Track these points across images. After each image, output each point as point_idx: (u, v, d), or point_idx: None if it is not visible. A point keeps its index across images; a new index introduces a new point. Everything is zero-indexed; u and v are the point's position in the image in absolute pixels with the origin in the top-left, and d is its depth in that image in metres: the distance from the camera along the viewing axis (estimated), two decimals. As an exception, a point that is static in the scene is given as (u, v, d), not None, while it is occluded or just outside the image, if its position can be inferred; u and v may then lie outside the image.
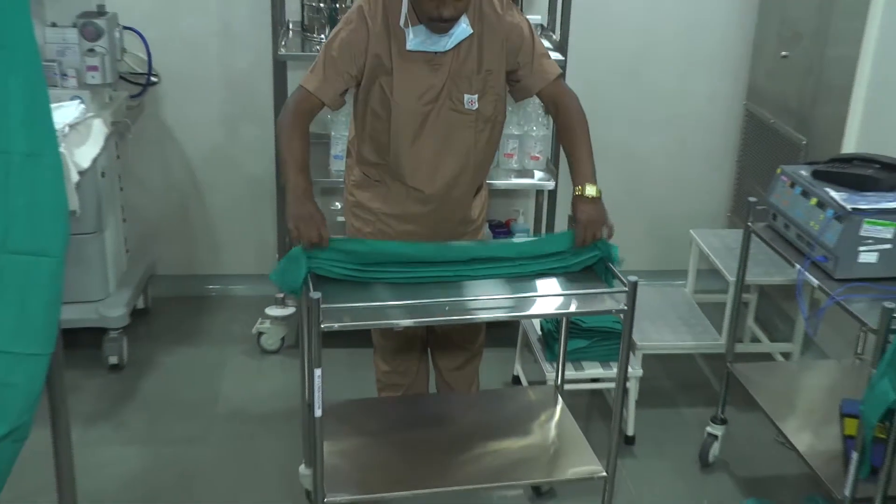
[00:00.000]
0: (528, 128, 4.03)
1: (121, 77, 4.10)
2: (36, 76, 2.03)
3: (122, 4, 4.02)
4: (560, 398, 3.07)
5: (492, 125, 2.93)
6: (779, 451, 3.43)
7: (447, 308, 2.46)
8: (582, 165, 2.77)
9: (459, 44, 2.78)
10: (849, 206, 2.75)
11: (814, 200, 2.89)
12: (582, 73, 4.00)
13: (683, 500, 3.35)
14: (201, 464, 3.43)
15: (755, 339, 4.16)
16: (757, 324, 4.20)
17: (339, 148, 3.89)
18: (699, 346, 3.79)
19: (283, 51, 3.88)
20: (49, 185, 2.06)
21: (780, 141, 4.17)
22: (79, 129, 3.62)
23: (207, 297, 4.67)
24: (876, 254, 2.75)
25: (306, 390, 2.67)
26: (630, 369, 3.36)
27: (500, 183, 3.99)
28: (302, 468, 3.14)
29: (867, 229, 2.73)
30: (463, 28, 2.75)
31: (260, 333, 4.18)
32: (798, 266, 2.87)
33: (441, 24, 2.69)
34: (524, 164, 4.07)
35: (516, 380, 3.90)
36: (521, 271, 2.64)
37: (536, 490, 3.32)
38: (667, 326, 3.80)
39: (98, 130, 3.72)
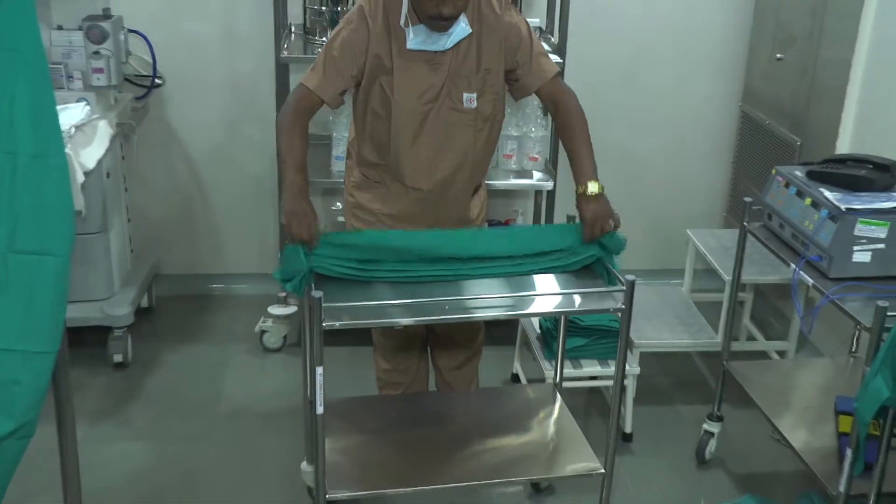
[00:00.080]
0: (527, 129, 4.05)
1: (126, 79, 4.11)
2: (42, 78, 2.05)
3: (127, 8, 4.05)
4: (559, 396, 3.09)
5: (490, 124, 2.95)
6: (774, 447, 3.45)
7: (447, 307, 2.47)
8: (583, 163, 2.79)
9: (459, 43, 2.80)
10: (843, 206, 2.76)
11: (808, 200, 2.90)
12: (580, 74, 4.02)
13: (680, 497, 3.36)
14: (204, 461, 3.45)
15: (751, 338, 4.17)
16: (753, 322, 4.21)
17: (340, 149, 3.91)
18: (696, 345, 3.79)
19: (285, 53, 3.90)
20: (55, 186, 2.07)
21: (775, 142, 4.19)
22: (84, 131, 3.64)
23: (211, 296, 4.69)
24: (869, 253, 2.76)
25: (308, 388, 2.66)
26: (628, 367, 3.37)
27: (499, 183, 4.01)
28: (304, 465, 3.15)
29: (861, 229, 2.74)
30: (462, 27, 2.77)
31: (262, 332, 4.20)
32: (793, 265, 2.88)
33: (441, 23, 2.71)
34: (523, 164, 4.09)
35: (515, 378, 3.91)
36: (520, 270, 2.65)
37: (535, 486, 3.33)
38: (664, 325, 3.81)
39: (103, 132, 3.73)
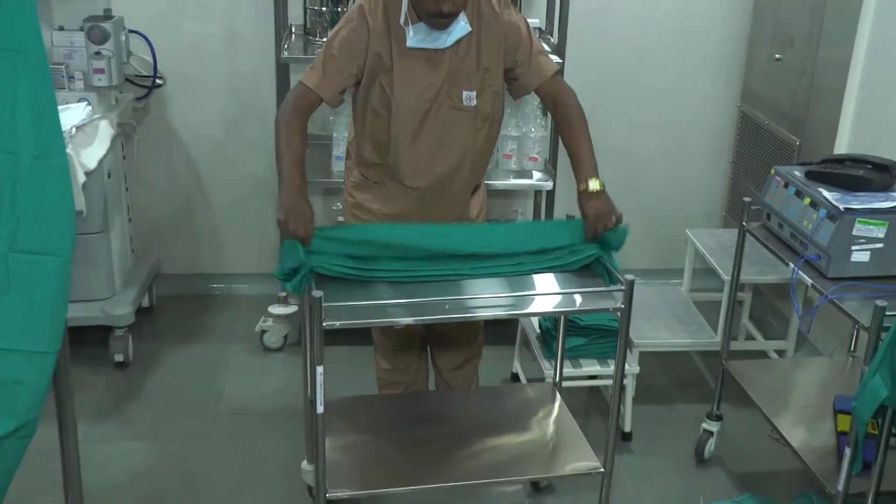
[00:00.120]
0: (527, 129, 4.06)
1: (127, 80, 4.12)
2: (43, 79, 2.05)
3: (128, 8, 4.06)
4: (558, 395, 3.10)
5: (490, 123, 2.95)
6: (773, 446, 3.46)
7: (447, 306, 2.47)
8: (583, 160, 2.80)
9: (458, 42, 2.81)
10: (841, 206, 2.76)
11: (807, 200, 2.90)
12: (579, 75, 4.03)
13: (679, 496, 3.37)
14: (205, 460, 3.46)
15: (750, 337, 4.18)
16: (751, 322, 4.22)
17: (340, 149, 3.92)
18: (695, 344, 3.80)
19: (285, 54, 3.91)
20: (56, 186, 2.08)
21: (774, 142, 4.20)
22: (85, 131, 3.66)
23: (211, 295, 4.70)
24: (868, 253, 2.77)
25: (308, 387, 2.67)
26: (627, 366, 3.36)
27: (498, 183, 4.02)
28: (304, 464, 3.16)
29: (859, 229, 2.75)
30: (462, 26, 2.78)
31: (263, 331, 4.20)
32: (792, 265, 2.88)
33: (441, 20, 2.71)
34: (523, 164, 4.10)
35: (515, 377, 3.92)
36: (520, 270, 2.66)
37: (535, 485, 3.33)
38: (663, 324, 3.82)
39: (104, 132, 3.75)
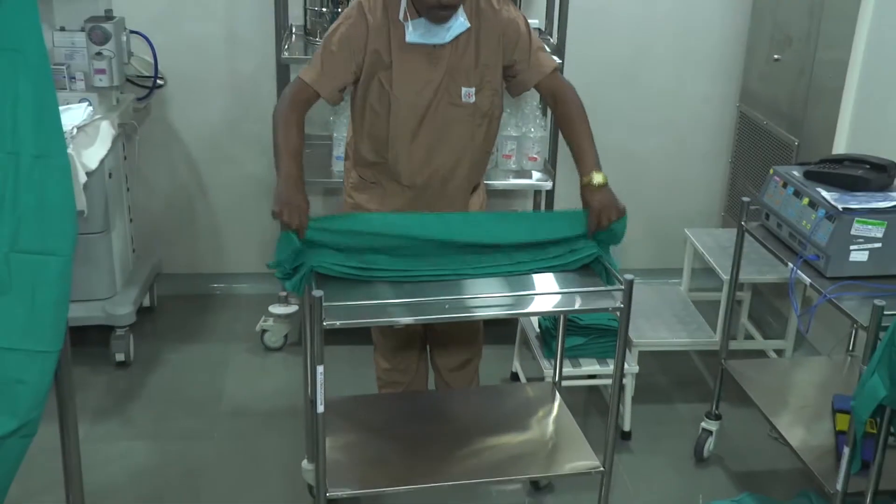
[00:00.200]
0: (527, 129, 4.07)
1: (128, 80, 4.13)
2: (45, 79, 2.06)
3: (129, 9, 4.07)
4: (558, 394, 3.11)
5: (489, 120, 2.95)
6: (772, 446, 3.47)
7: (447, 306, 2.48)
8: (586, 155, 2.80)
9: (457, 38, 2.81)
10: (840, 206, 2.77)
11: (806, 200, 2.91)
12: (579, 76, 4.00)
13: (679, 495, 3.37)
14: (206, 459, 3.47)
15: (749, 337, 4.19)
16: (750, 321, 4.23)
17: (340, 149, 3.92)
18: (694, 343, 3.80)
19: (286, 54, 3.91)
20: (57, 186, 2.09)
21: (773, 142, 4.21)
22: (87, 131, 3.67)
23: (212, 295, 4.71)
24: (866, 252, 2.78)
25: (309, 387, 2.69)
26: (626, 366, 3.39)
27: (498, 183, 4.03)
28: (304, 463, 3.17)
29: (858, 228, 2.75)
30: (461, 21, 2.78)
31: (263, 331, 4.21)
32: (790, 264, 2.89)
33: (441, 13, 2.72)
34: (522, 164, 4.11)
35: (515, 376, 3.92)
36: (520, 270, 2.66)
37: (535, 484, 3.34)
38: (662, 324, 3.82)
39: (105, 132, 3.75)
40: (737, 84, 4.63)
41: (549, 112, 4.23)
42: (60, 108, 2.16)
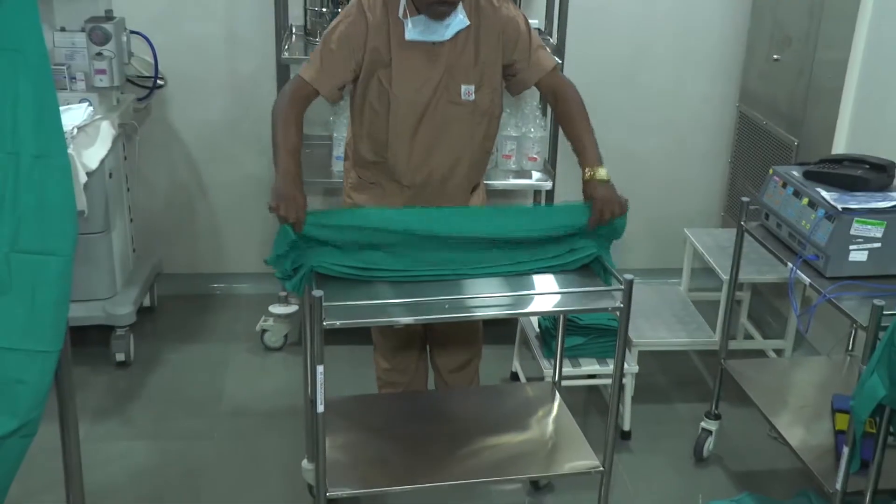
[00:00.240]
0: (526, 129, 4.07)
1: (128, 80, 4.13)
2: (45, 79, 2.06)
3: (129, 9, 4.07)
4: (557, 394, 3.11)
5: (488, 118, 2.95)
6: (772, 445, 3.47)
7: (447, 306, 2.48)
8: (588, 150, 2.79)
9: (456, 36, 2.81)
10: (839, 206, 2.77)
11: (805, 200, 2.91)
12: (579, 76, 3.98)
13: (678, 494, 3.37)
14: (206, 459, 3.47)
15: (748, 336, 4.19)
16: (750, 321, 4.23)
17: (340, 149, 3.92)
18: (693, 343, 3.80)
19: (286, 54, 3.91)
20: (58, 186, 2.09)
21: (773, 142, 4.21)
22: (87, 131, 3.67)
23: (212, 295, 4.71)
24: (866, 252, 2.78)
25: (309, 386, 2.69)
26: (626, 366, 3.38)
27: (498, 183, 4.03)
28: (304, 463, 3.17)
29: (857, 228, 2.76)
30: (460, 19, 2.78)
31: (263, 331, 4.21)
32: (790, 264, 2.90)
33: (440, 9, 2.72)
34: (522, 164, 4.11)
35: (514, 376, 3.93)
36: (519, 270, 2.67)
37: (535, 484, 3.34)
38: (662, 324, 3.83)
39: (106, 132, 3.76)
40: (736, 84, 4.63)
41: (549, 112, 4.23)
42: (61, 108, 2.16)
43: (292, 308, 4.20)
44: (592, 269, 2.72)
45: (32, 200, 2.06)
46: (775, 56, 4.19)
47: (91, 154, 3.64)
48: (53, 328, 2.14)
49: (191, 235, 4.71)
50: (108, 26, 3.80)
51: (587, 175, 2.73)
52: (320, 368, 2.39)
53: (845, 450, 2.66)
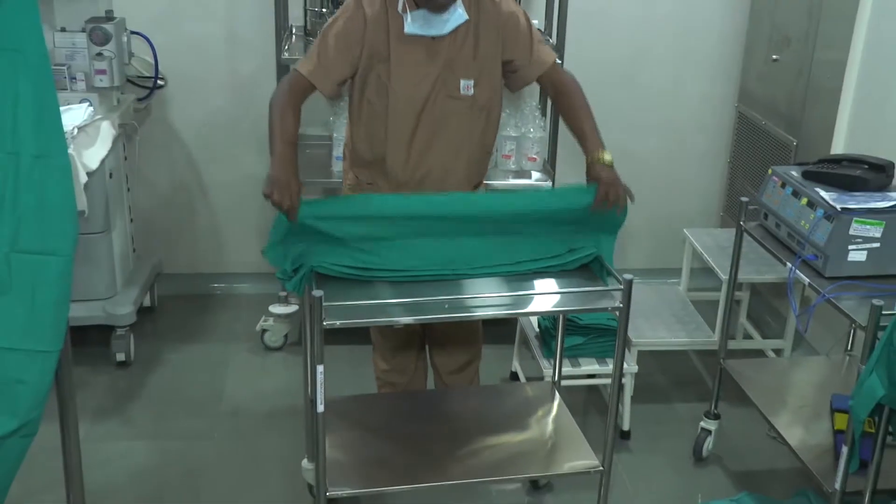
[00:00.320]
0: (526, 129, 4.07)
1: (128, 80, 4.13)
2: (45, 79, 2.06)
3: (129, 10, 4.07)
4: (557, 394, 3.11)
5: (487, 114, 2.94)
6: (771, 445, 3.47)
7: (447, 306, 2.49)
8: (591, 137, 2.80)
9: (456, 30, 2.81)
10: (838, 206, 2.78)
11: (804, 200, 2.92)
12: (578, 76, 3.97)
13: (678, 494, 3.37)
14: (206, 458, 3.47)
15: (747, 336, 4.19)
16: (749, 321, 4.23)
17: (340, 149, 3.92)
18: (693, 343, 3.80)
19: (286, 55, 3.91)
20: (58, 186, 2.09)
21: (771, 142, 4.21)
22: (87, 131, 3.67)
23: (212, 295, 4.71)
24: (865, 252, 2.79)
25: (309, 386, 2.70)
26: (625, 365, 3.39)
27: (497, 183, 4.02)
28: (304, 462, 3.17)
29: (856, 228, 2.76)
30: (459, 13, 2.78)
31: (263, 331, 4.22)
32: (789, 264, 2.90)
33: (440, 1, 2.72)
34: (522, 164, 4.11)
35: (514, 376, 3.93)
36: (519, 270, 2.67)
37: (534, 483, 3.34)
38: (661, 323, 3.83)
39: (106, 132, 3.76)
40: (735, 84, 4.64)
41: (548, 112, 4.24)
42: (61, 108, 2.16)
43: (292, 308, 4.20)
44: (592, 269, 2.72)
45: (32, 200, 2.07)
46: (774, 56, 4.20)
47: (91, 154, 3.64)
48: (53, 328, 2.14)
49: (191, 235, 4.72)
50: (108, 26, 3.80)
51: (591, 158, 2.73)
52: (320, 368, 2.39)
53: (844, 449, 2.66)
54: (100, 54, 3.80)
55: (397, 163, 2.92)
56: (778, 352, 4.04)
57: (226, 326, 4.44)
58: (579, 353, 3.54)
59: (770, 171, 3.16)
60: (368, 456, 2.79)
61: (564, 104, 2.94)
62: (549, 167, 4.17)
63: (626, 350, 3.50)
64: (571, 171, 2.87)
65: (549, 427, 2.99)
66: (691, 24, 4.57)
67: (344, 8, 2.85)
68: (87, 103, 3.77)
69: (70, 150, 2.94)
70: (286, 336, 4.24)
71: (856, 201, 2.81)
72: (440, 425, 2.95)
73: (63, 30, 3.82)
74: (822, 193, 2.88)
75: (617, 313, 2.54)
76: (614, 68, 4.57)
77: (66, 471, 2.48)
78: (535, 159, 4.11)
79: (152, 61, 4.20)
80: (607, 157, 2.72)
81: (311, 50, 2.84)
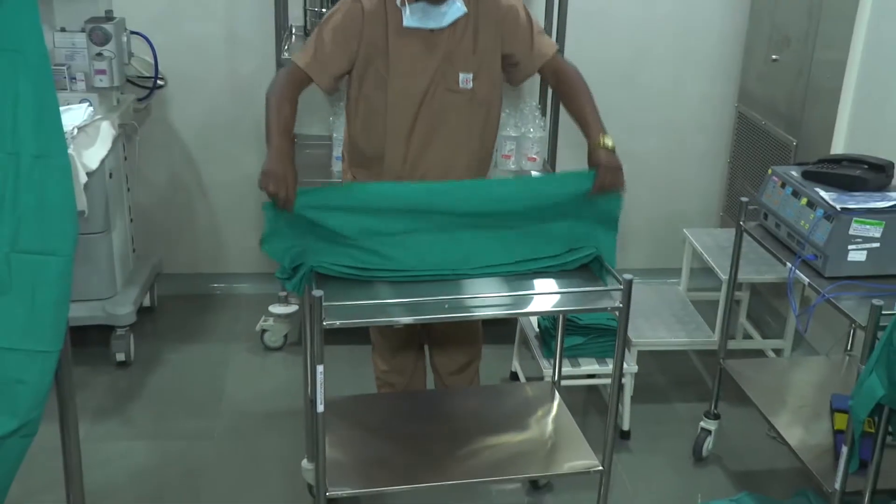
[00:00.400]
0: (526, 129, 4.07)
1: (128, 80, 4.14)
2: (45, 79, 2.07)
3: (129, 10, 4.07)
4: (557, 394, 3.11)
5: (486, 109, 2.93)
6: (770, 445, 3.48)
7: (447, 306, 2.48)
8: (592, 123, 2.79)
9: (455, 23, 2.80)
10: (838, 206, 2.78)
11: (804, 200, 2.92)
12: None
13: (677, 494, 3.37)
14: (206, 458, 3.47)
15: (747, 336, 4.19)
16: (749, 321, 4.23)
17: (340, 149, 3.93)
18: (693, 343, 3.80)
19: (286, 54, 3.90)
20: (58, 186, 2.09)
21: (771, 142, 4.22)
22: (87, 132, 3.67)
23: (212, 295, 4.72)
24: (864, 252, 2.79)
25: (309, 386, 2.70)
26: (625, 365, 3.39)
27: (498, 183, 4.04)
28: (304, 462, 3.18)
29: (856, 228, 2.76)
30: (458, 6, 2.77)
31: (263, 331, 4.22)
32: (789, 264, 2.90)
33: None
34: (521, 164, 4.11)
35: (514, 376, 3.93)
36: (519, 269, 2.67)
37: (534, 483, 3.34)
38: (661, 323, 3.83)
39: (106, 132, 3.76)
40: (735, 84, 4.64)
41: (548, 112, 4.24)
42: (61, 108, 2.16)
43: (292, 308, 4.21)
44: (592, 269, 2.72)
45: (32, 200, 2.07)
46: (774, 56, 4.20)
47: (91, 154, 3.64)
48: (53, 328, 2.14)
49: (191, 235, 4.72)
50: (108, 26, 3.80)
51: (593, 143, 2.72)
52: (320, 368, 2.39)
53: (844, 449, 2.66)
54: (100, 54, 3.81)
55: (396, 159, 2.90)
56: (778, 352, 4.04)
57: (226, 326, 4.44)
58: (579, 353, 3.54)
59: (770, 171, 3.16)
60: (368, 456, 2.78)
61: (566, 91, 2.93)
62: (549, 167, 4.17)
63: (626, 350, 3.50)
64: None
65: (549, 427, 2.99)
66: (691, 24, 4.57)
67: (342, 2, 2.84)
68: (87, 103, 3.77)
69: (70, 150, 2.94)
70: (286, 336, 4.24)
71: (855, 201, 2.81)
72: (440, 425, 2.95)
73: (63, 30, 3.82)
74: (822, 193, 2.88)
75: (617, 313, 2.54)
76: (614, 68, 4.57)
77: (66, 471, 2.48)
78: (534, 159, 4.10)
79: (152, 61, 4.20)
80: (609, 141, 2.72)
81: (308, 42, 2.84)
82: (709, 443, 3.51)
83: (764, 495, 3.30)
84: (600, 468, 2.72)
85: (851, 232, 2.77)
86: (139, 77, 4.26)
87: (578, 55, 4.14)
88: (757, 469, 3.51)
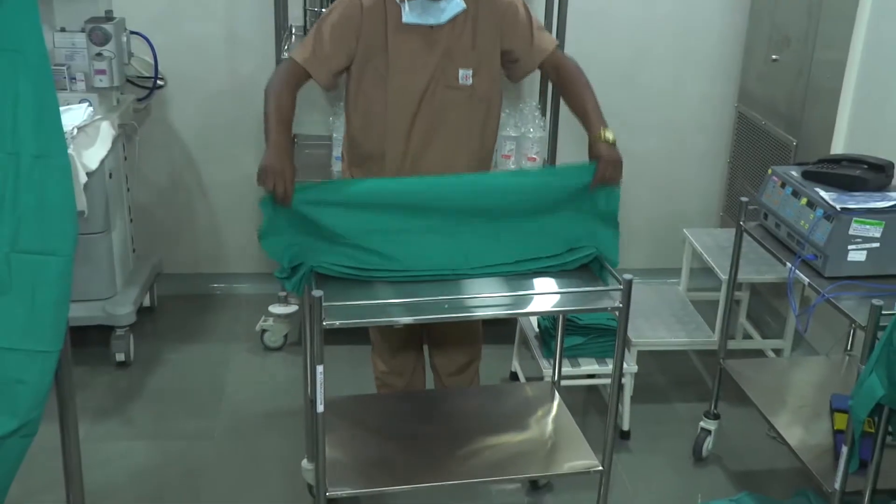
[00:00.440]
0: (525, 129, 4.07)
1: (128, 80, 4.14)
2: (45, 80, 2.07)
3: (129, 10, 4.07)
4: (557, 394, 3.11)
5: (486, 106, 2.93)
6: (770, 445, 3.48)
7: (447, 306, 2.49)
8: (593, 116, 2.78)
9: (454, 20, 2.80)
10: (838, 206, 2.78)
11: (804, 200, 2.92)
12: (579, 75, 4.05)
13: (677, 494, 3.37)
14: (206, 458, 3.47)
15: (747, 336, 4.19)
16: (749, 321, 4.23)
17: (340, 150, 3.93)
18: (692, 343, 3.80)
19: (286, 54, 3.91)
20: (58, 186, 2.09)
21: (771, 142, 4.21)
22: (87, 132, 3.67)
23: (212, 295, 4.72)
24: (864, 252, 2.79)
25: (308, 386, 2.70)
26: (625, 365, 3.39)
27: (498, 183, 4.03)
28: (304, 463, 3.18)
29: (856, 228, 2.76)
30: (457, 2, 2.77)
31: (263, 331, 4.22)
32: (789, 264, 2.90)
33: None
34: (521, 164, 4.10)
35: (514, 376, 3.93)
36: (519, 269, 2.67)
37: (534, 483, 3.34)
38: (661, 323, 3.83)
39: (106, 132, 3.76)
40: (735, 84, 4.64)
41: (548, 112, 4.23)
42: (61, 108, 2.16)
43: (292, 308, 4.21)
44: (592, 269, 2.72)
45: (32, 200, 2.07)
46: (774, 56, 4.20)
47: (91, 154, 3.64)
48: (53, 328, 2.14)
49: (191, 235, 4.71)
50: (108, 27, 3.80)
51: (594, 136, 2.72)
52: (320, 368, 2.39)
53: (844, 449, 2.66)
54: (99, 54, 3.80)
55: (395, 157, 2.89)
56: (778, 352, 4.04)
57: (226, 326, 4.44)
58: (579, 353, 3.54)
59: (770, 171, 3.16)
60: (368, 456, 2.79)
61: (566, 86, 2.93)
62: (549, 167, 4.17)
63: (626, 350, 3.50)
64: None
65: (549, 427, 2.99)
66: (691, 24, 4.57)
67: (340, 0, 2.84)
68: (87, 103, 3.77)
69: (70, 151, 2.94)
70: (286, 336, 4.24)
71: (855, 201, 2.82)
72: (440, 425, 2.95)
73: (63, 30, 3.82)
74: (822, 193, 2.88)
75: (617, 313, 2.54)
76: (614, 68, 4.57)
77: (66, 471, 2.48)
78: (534, 159, 4.10)
79: (152, 61, 4.20)
80: (609, 134, 2.71)
81: (307, 38, 2.83)
82: (709, 443, 3.51)
83: (764, 495, 3.30)
84: (600, 468, 2.72)
85: (851, 232, 2.77)
86: (139, 77, 4.26)
87: (578, 55, 4.12)
88: (757, 469, 3.51)
